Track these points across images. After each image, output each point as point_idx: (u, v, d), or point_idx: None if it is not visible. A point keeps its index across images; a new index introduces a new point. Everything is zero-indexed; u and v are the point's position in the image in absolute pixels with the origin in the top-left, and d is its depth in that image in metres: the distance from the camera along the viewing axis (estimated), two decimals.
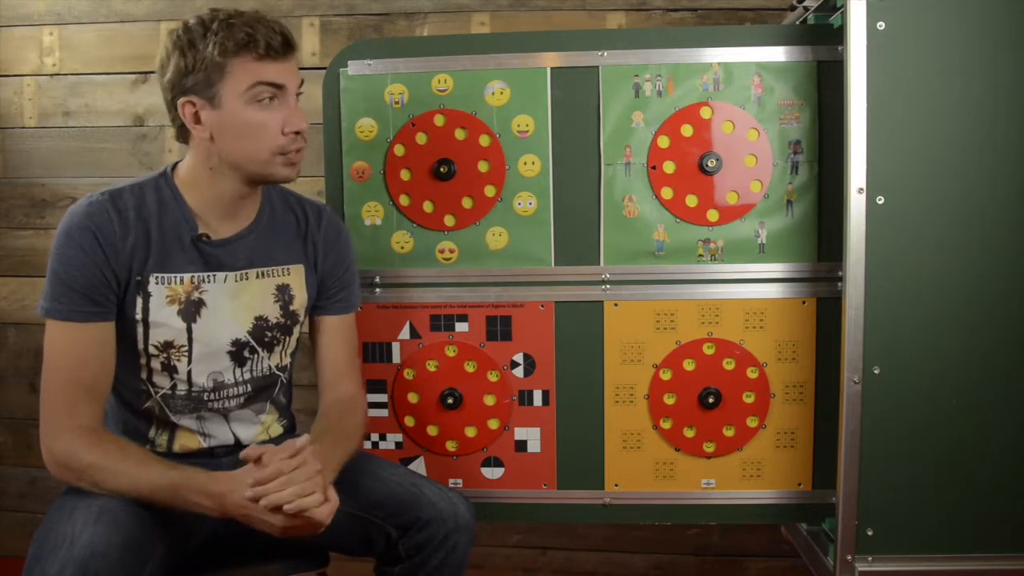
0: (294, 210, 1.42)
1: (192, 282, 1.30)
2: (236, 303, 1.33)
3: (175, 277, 1.28)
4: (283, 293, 1.38)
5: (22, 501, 2.29)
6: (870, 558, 1.45)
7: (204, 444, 1.36)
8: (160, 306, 1.28)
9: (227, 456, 1.37)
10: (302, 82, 1.30)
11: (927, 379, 1.43)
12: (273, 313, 1.37)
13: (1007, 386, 1.42)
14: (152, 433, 1.34)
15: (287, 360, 1.42)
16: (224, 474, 1.18)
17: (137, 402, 1.33)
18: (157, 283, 1.27)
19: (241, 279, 1.34)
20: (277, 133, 1.25)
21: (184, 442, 1.35)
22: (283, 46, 1.24)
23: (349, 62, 1.60)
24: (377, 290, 1.63)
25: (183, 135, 1.29)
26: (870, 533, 1.44)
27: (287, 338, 1.40)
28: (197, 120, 1.24)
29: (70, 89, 2.20)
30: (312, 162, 2.00)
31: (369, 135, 1.61)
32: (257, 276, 1.36)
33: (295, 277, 1.40)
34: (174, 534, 1.25)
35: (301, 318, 1.42)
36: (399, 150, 1.61)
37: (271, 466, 1.14)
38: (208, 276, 1.31)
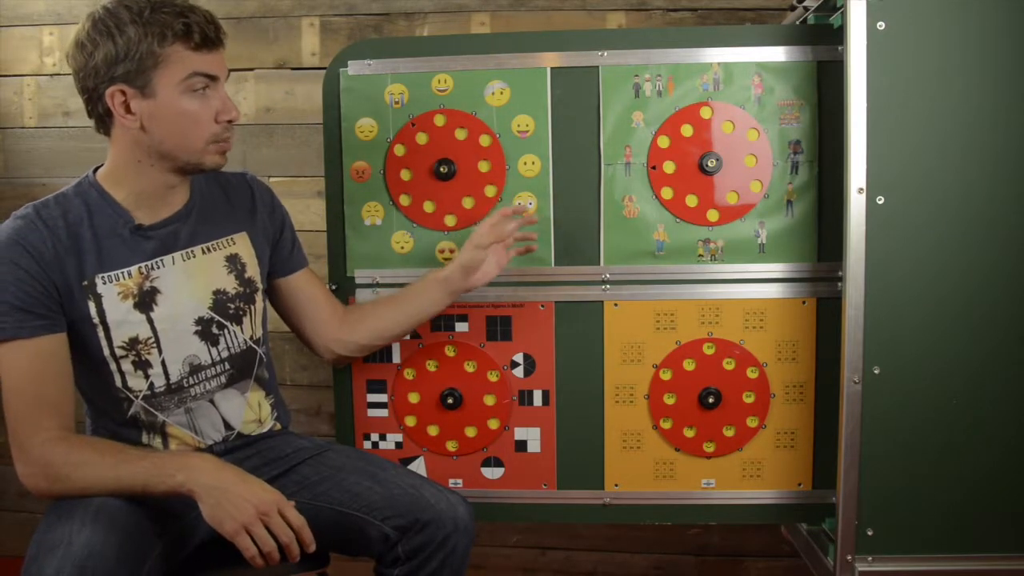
0: (219, 182, 1.41)
1: (141, 272, 1.28)
2: (192, 282, 1.33)
3: (122, 272, 1.27)
4: (234, 263, 1.38)
5: (22, 501, 2.29)
6: (870, 558, 1.45)
7: (200, 442, 1.35)
8: (115, 304, 1.26)
9: (226, 455, 1.37)
10: (228, 72, 1.29)
11: (927, 379, 1.43)
12: (230, 284, 1.37)
13: (1007, 386, 1.42)
14: (145, 439, 1.33)
15: (260, 332, 1.42)
16: (185, 460, 1.20)
17: (120, 413, 1.31)
18: (105, 283, 1.26)
19: (189, 257, 1.33)
20: (211, 122, 1.25)
21: (178, 444, 1.34)
22: (217, 37, 1.24)
23: (349, 62, 1.60)
24: (377, 290, 1.63)
25: (104, 126, 1.26)
26: (870, 533, 1.44)
27: (251, 307, 1.40)
28: (128, 110, 1.21)
29: (70, 89, 2.17)
30: (312, 162, 2.01)
31: (369, 135, 1.61)
32: (204, 251, 1.35)
33: (241, 245, 1.40)
34: (172, 534, 1.25)
35: (259, 284, 1.42)
36: (399, 150, 1.61)
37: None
38: (157, 263, 1.30)
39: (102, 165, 1.31)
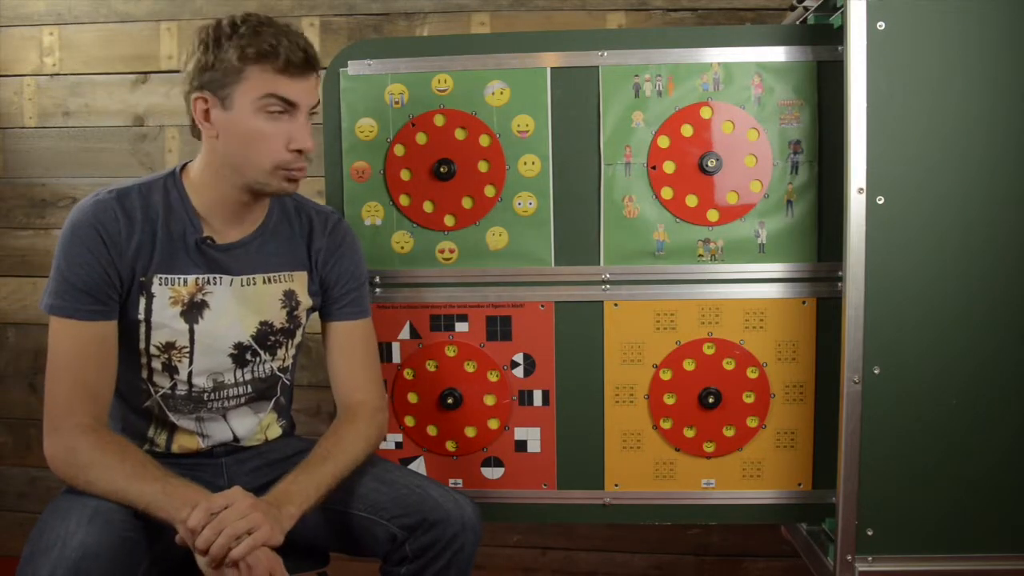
0: (300, 216, 1.42)
1: (197, 284, 1.30)
2: (243, 307, 1.33)
3: (179, 279, 1.29)
4: (290, 299, 1.39)
5: (22, 501, 2.29)
6: (870, 558, 1.45)
7: (203, 445, 1.36)
8: (163, 307, 1.28)
9: (227, 456, 1.38)
10: (318, 102, 1.29)
11: (927, 379, 1.43)
12: (279, 318, 1.37)
13: (1007, 386, 1.42)
14: (151, 432, 1.34)
15: (289, 361, 1.43)
16: (194, 497, 1.15)
17: (137, 401, 1.33)
18: (161, 284, 1.28)
19: (248, 284, 1.34)
20: (281, 148, 1.25)
21: (183, 442, 1.35)
22: (303, 64, 1.24)
23: (349, 62, 1.60)
24: (377, 290, 1.63)
25: (196, 131, 1.29)
26: (870, 533, 1.44)
27: (290, 341, 1.41)
28: (207, 117, 1.25)
29: (70, 89, 2.20)
30: (312, 162, 2.01)
31: (369, 135, 1.61)
32: (265, 282, 1.36)
33: (299, 283, 1.40)
34: (168, 536, 1.25)
35: (303, 321, 1.42)
36: (399, 150, 1.61)
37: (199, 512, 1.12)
38: (214, 278, 1.31)
39: (191, 161, 1.34)
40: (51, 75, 2.20)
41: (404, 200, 1.61)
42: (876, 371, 1.42)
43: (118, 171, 2.17)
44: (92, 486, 1.18)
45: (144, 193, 1.29)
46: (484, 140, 1.59)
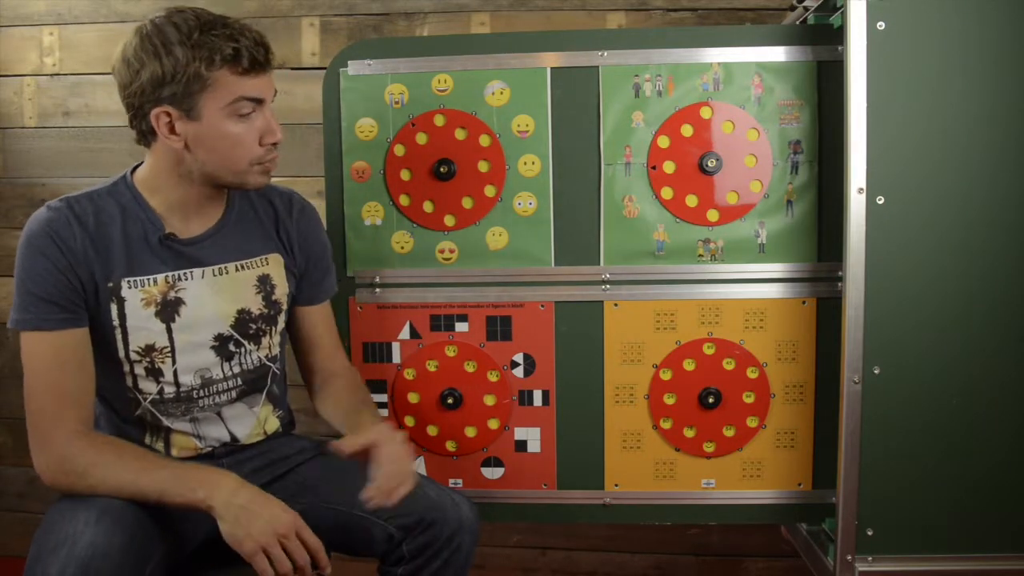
0: (262, 199, 1.40)
1: (167, 282, 1.28)
2: (218, 298, 1.32)
3: (148, 279, 1.27)
4: (264, 284, 1.37)
5: (22, 501, 2.29)
6: (870, 558, 1.45)
7: (201, 447, 1.35)
8: (136, 310, 1.26)
9: (227, 456, 1.37)
10: (275, 91, 1.28)
11: (927, 379, 1.43)
12: (256, 305, 1.36)
13: (1007, 386, 1.42)
14: (148, 440, 1.33)
15: (276, 350, 1.42)
16: (206, 476, 1.17)
17: (127, 411, 1.32)
18: (130, 287, 1.26)
19: (220, 273, 1.33)
20: (255, 145, 1.25)
21: (181, 446, 1.34)
22: (265, 60, 1.22)
23: (349, 62, 1.60)
24: (377, 290, 1.63)
25: (145, 141, 1.26)
26: (870, 533, 1.45)
27: (272, 328, 1.39)
28: (172, 131, 1.21)
29: (70, 89, 2.20)
30: (312, 162, 2.01)
31: (369, 135, 1.61)
32: (237, 269, 1.34)
33: (274, 267, 1.39)
34: (175, 534, 1.25)
35: (284, 306, 1.41)
36: (399, 150, 1.61)
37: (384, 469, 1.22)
38: (184, 274, 1.29)
39: (140, 164, 1.31)
40: (51, 75, 2.20)
41: (404, 200, 1.61)
42: (876, 371, 1.42)
43: (118, 171, 2.14)
44: (96, 488, 1.17)
45: (95, 200, 1.26)
46: (484, 140, 1.59)
